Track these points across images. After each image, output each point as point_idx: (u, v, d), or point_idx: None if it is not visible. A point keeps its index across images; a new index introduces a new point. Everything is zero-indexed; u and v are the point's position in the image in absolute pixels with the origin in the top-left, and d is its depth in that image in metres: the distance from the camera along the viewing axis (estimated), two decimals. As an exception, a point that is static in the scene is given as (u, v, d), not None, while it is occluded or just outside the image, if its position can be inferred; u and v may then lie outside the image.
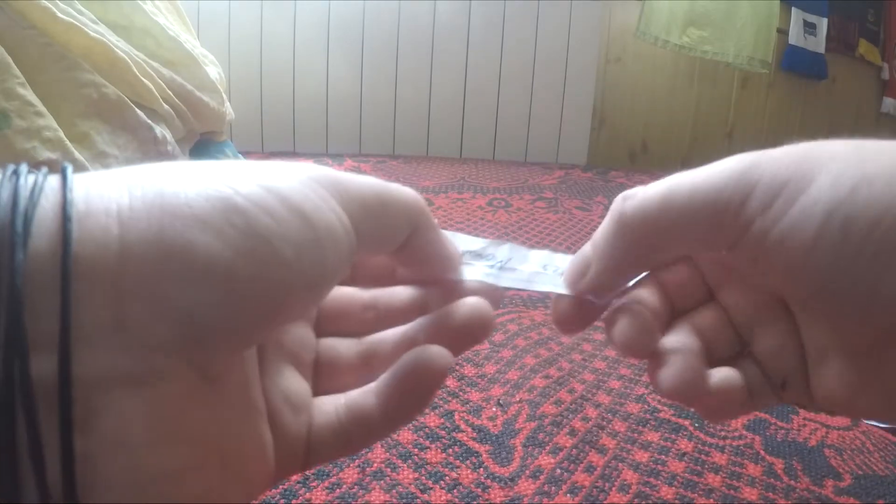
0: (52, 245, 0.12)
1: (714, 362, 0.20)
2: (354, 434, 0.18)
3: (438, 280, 0.21)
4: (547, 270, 0.22)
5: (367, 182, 0.18)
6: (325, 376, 0.19)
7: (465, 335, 0.19)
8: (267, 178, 0.15)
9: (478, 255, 0.22)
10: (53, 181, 0.13)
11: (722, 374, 0.19)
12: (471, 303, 0.19)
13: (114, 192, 0.13)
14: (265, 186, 0.15)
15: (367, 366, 0.20)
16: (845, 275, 0.15)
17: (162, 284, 0.12)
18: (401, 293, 0.21)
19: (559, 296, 0.21)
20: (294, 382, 0.18)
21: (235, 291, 0.13)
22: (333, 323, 0.21)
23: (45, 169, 0.14)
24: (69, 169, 0.14)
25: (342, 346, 0.20)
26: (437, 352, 0.17)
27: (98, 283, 0.12)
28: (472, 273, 0.21)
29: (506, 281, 0.21)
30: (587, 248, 0.20)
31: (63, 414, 0.11)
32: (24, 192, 0.13)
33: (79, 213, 0.12)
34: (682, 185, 0.17)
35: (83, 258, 0.12)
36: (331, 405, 0.18)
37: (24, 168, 0.14)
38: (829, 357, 0.18)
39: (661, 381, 0.19)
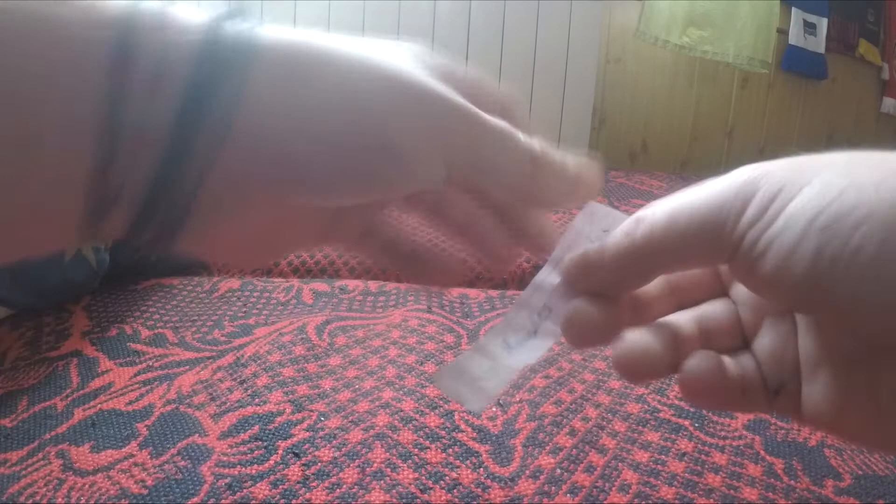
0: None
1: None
2: None
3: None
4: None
5: (490, 127, 0.20)
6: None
7: None
8: (411, 74, 0.19)
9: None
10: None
11: (699, 356, 0.19)
12: None
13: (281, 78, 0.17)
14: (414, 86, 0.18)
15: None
16: (826, 278, 0.15)
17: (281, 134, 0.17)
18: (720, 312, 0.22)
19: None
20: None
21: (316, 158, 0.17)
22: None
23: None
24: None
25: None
26: None
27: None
28: None
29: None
30: (592, 253, 0.20)
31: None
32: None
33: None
34: (685, 205, 0.18)
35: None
36: None
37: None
38: (820, 371, 0.18)
39: (617, 353, 0.20)
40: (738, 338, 0.21)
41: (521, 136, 0.21)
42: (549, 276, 0.22)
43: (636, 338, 0.20)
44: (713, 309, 0.22)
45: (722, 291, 0.22)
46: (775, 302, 0.19)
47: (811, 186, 0.16)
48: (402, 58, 0.20)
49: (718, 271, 0.22)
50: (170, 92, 0.16)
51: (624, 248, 0.19)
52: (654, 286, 0.22)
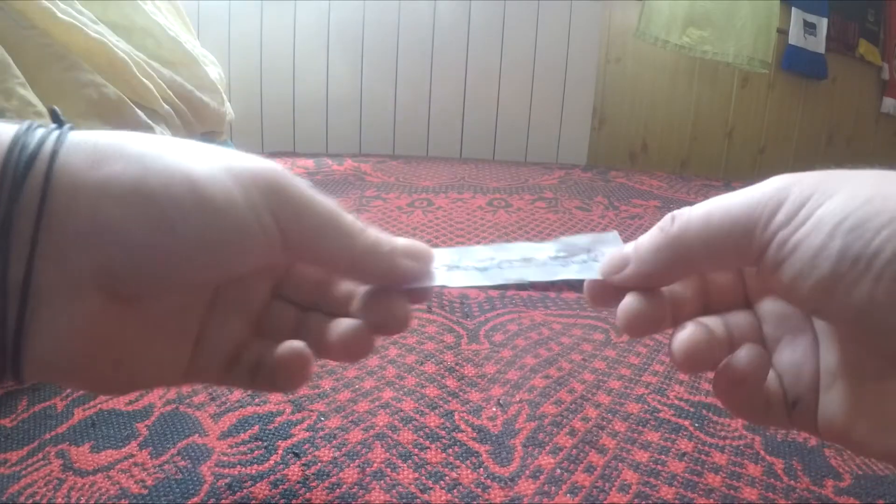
0: (37, 185, 0.17)
1: None
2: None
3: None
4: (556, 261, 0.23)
5: (320, 204, 0.21)
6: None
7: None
8: (193, 169, 0.19)
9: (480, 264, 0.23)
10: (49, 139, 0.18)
11: (748, 348, 0.20)
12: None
13: (82, 161, 0.18)
14: (189, 179, 0.19)
15: None
16: (848, 278, 0.16)
17: (87, 239, 0.18)
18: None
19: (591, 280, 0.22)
20: (232, 325, 0.24)
21: (134, 252, 0.18)
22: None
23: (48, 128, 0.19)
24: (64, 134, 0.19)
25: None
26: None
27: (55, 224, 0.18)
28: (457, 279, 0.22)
29: (518, 274, 0.22)
30: (629, 249, 0.21)
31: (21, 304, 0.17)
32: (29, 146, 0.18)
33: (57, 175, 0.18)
34: (721, 206, 0.19)
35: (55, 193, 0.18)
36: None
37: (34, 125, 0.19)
38: (837, 383, 0.19)
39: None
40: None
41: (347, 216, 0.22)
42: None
43: (696, 327, 0.20)
44: (737, 319, 0.22)
45: (746, 304, 0.23)
46: (799, 304, 0.19)
47: (840, 194, 0.17)
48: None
49: (745, 283, 0.23)
50: None
51: (658, 240, 0.20)
52: (684, 289, 0.22)
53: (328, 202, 0.22)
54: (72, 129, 0.20)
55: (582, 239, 0.23)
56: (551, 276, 0.22)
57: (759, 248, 0.18)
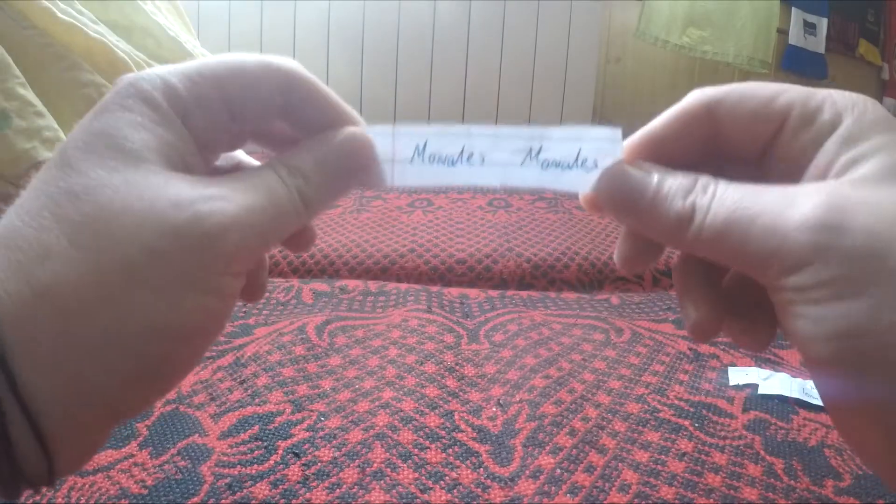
0: None
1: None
2: None
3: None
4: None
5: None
6: None
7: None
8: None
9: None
10: None
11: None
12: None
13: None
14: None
15: None
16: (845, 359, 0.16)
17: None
18: None
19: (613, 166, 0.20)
20: None
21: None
22: None
23: None
24: None
25: None
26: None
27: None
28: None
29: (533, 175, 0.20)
30: (642, 188, 0.20)
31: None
32: None
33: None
34: (744, 218, 0.17)
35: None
36: None
37: None
38: None
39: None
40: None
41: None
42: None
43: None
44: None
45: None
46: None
47: (870, 298, 0.15)
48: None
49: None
50: None
51: (668, 226, 0.19)
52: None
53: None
54: None
55: (569, 136, 0.20)
56: (545, 182, 0.20)
57: (765, 283, 0.17)
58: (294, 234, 0.21)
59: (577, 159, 0.20)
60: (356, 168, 0.21)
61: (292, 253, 0.75)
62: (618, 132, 0.21)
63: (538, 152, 0.20)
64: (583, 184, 0.20)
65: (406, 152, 0.21)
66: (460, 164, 0.21)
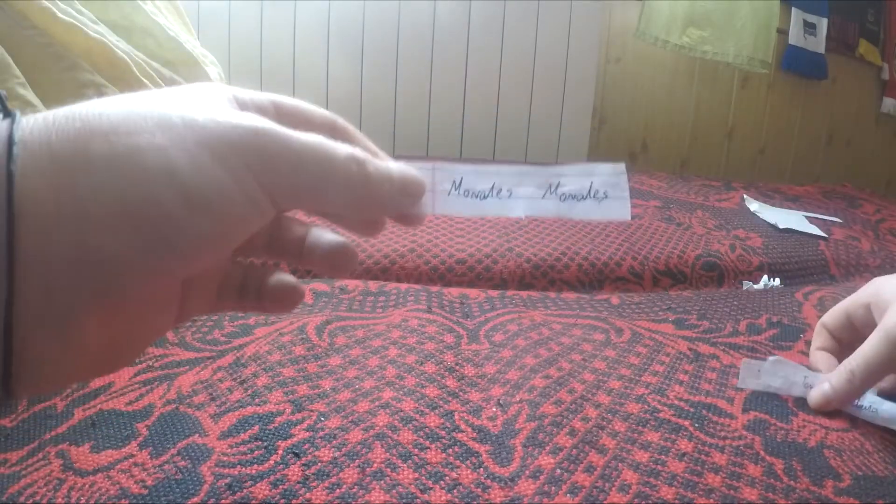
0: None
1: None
2: None
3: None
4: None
5: (309, 153, 0.21)
6: None
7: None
8: (175, 166, 0.18)
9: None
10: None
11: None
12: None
13: (45, 184, 0.17)
14: (176, 186, 0.18)
15: None
16: None
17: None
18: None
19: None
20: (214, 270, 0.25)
21: (129, 274, 0.17)
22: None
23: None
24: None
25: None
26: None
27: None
28: None
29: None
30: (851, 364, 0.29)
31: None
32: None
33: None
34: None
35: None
36: None
37: None
38: None
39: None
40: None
41: (340, 146, 0.22)
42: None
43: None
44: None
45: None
46: None
47: None
48: (201, 100, 0.20)
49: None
50: None
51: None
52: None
53: (314, 146, 0.21)
54: (14, 123, 0.17)
55: (582, 172, 0.24)
56: (563, 212, 0.23)
57: None
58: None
59: (589, 191, 0.24)
60: (414, 199, 0.24)
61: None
62: (622, 166, 0.24)
63: (556, 187, 0.24)
64: (595, 213, 0.25)
65: (444, 185, 0.24)
66: (491, 197, 0.24)
